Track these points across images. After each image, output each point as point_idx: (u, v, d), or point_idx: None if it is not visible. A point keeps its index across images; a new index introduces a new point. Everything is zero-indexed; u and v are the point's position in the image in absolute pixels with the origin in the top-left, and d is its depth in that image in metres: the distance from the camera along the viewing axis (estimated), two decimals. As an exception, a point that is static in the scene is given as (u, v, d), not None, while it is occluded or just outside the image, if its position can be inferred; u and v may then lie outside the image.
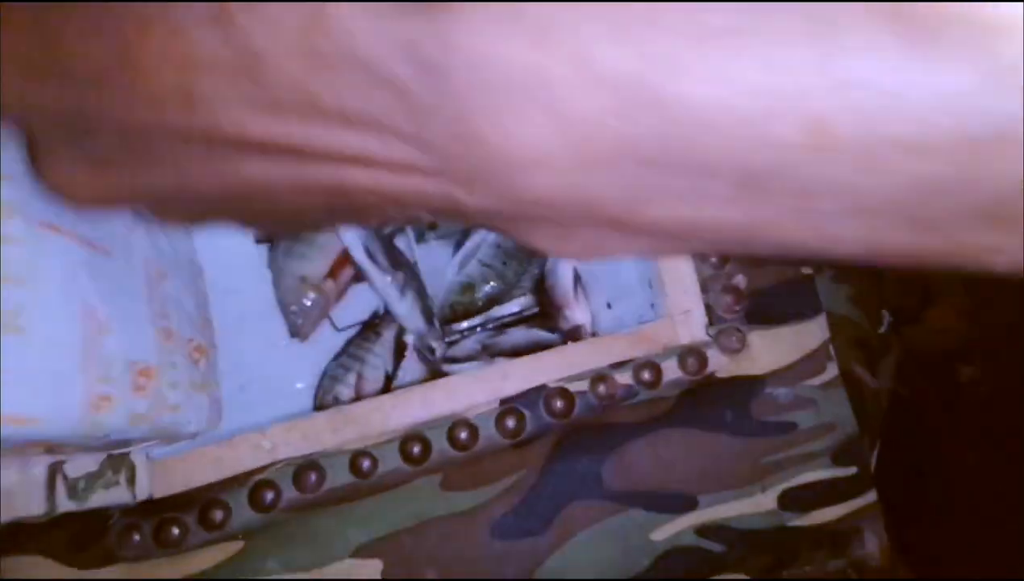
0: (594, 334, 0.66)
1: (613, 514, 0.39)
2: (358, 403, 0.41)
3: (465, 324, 0.66)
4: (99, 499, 0.35)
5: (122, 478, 0.37)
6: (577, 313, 0.69)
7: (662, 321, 0.42)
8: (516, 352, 0.66)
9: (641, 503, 0.39)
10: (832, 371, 0.42)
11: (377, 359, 0.60)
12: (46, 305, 0.27)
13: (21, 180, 0.28)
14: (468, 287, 0.58)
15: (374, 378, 0.55)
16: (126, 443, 0.36)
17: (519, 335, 0.68)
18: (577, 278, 0.71)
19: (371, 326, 0.61)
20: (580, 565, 0.38)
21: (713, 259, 0.43)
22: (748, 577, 0.41)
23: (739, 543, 0.40)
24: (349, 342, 0.64)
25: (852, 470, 0.41)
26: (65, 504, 0.34)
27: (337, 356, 0.61)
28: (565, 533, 0.38)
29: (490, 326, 0.67)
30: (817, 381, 0.41)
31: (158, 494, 0.37)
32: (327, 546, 0.37)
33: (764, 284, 0.43)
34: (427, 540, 0.37)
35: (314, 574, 0.37)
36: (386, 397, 0.41)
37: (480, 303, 0.57)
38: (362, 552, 0.37)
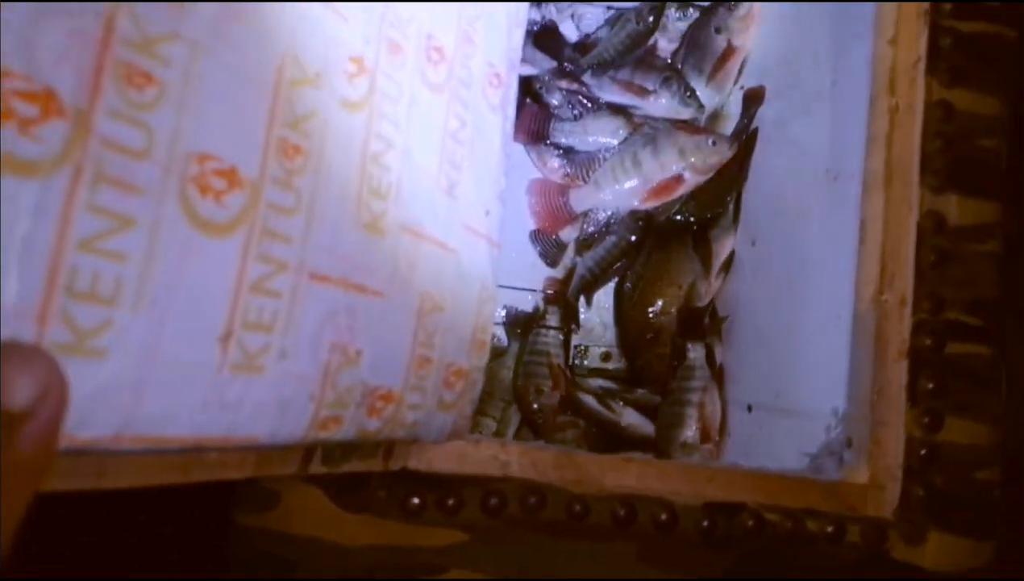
0: (718, 439, 0.72)
1: (770, 638, 0.43)
2: (582, 452, 0.46)
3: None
4: (352, 466, 0.39)
5: (380, 452, 0.42)
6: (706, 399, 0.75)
7: (860, 485, 0.47)
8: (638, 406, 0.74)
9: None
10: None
11: (557, 351, 0.70)
12: (295, 346, 0.31)
13: (303, 233, 0.31)
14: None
15: (557, 355, 0.71)
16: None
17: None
18: (720, 370, 0.76)
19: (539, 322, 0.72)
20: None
21: (924, 452, 0.47)
22: None
23: None
24: (522, 345, 0.72)
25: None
26: (317, 467, 0.38)
27: (524, 355, 0.71)
28: (726, 638, 0.43)
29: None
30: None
31: (411, 466, 0.43)
32: (534, 570, 0.43)
33: (958, 487, 0.47)
34: (616, 599, 0.43)
35: (518, 589, 0.42)
36: (607, 457, 0.46)
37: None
38: (561, 586, 0.43)
